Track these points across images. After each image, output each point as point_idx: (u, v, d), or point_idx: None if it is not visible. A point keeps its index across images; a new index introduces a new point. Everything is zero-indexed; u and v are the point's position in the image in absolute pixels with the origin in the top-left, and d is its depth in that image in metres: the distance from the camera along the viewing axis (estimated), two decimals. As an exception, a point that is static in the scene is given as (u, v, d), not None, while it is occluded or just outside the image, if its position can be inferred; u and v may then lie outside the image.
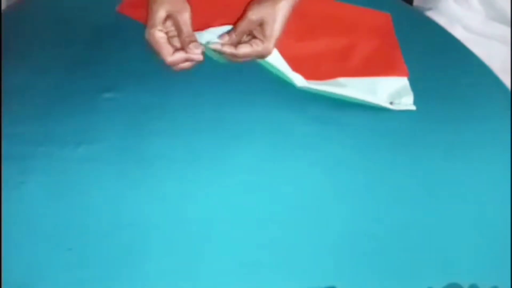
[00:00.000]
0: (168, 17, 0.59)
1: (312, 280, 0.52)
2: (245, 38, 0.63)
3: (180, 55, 0.59)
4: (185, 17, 0.59)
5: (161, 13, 0.59)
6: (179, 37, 0.60)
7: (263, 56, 0.62)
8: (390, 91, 0.69)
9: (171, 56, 0.59)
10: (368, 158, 0.63)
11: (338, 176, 0.61)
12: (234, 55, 0.61)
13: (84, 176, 0.57)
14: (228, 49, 0.61)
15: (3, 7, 0.79)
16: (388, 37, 0.76)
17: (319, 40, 0.70)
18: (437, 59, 0.77)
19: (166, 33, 0.60)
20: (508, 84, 0.75)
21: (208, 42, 0.62)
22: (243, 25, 0.61)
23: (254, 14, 0.60)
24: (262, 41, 0.61)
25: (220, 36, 0.62)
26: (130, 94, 0.65)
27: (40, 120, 0.62)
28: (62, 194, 0.55)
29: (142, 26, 0.73)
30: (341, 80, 0.68)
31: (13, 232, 0.52)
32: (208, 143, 0.62)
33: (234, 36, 0.61)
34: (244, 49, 0.61)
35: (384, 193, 0.60)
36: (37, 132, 0.61)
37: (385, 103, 0.67)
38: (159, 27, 0.59)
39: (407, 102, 0.68)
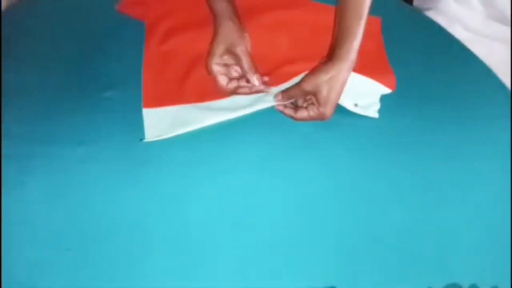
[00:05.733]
0: (226, 51, 0.64)
1: (312, 280, 0.52)
2: (301, 103, 0.65)
3: (233, 84, 0.65)
4: (243, 49, 0.64)
5: (220, 48, 0.64)
6: (240, 67, 0.65)
7: (321, 120, 0.64)
8: (363, 92, 0.67)
9: (226, 86, 0.65)
10: (368, 158, 0.63)
11: (338, 176, 0.61)
12: (292, 117, 0.65)
13: (84, 176, 0.57)
14: (288, 112, 0.65)
15: (3, 7, 0.79)
16: (377, 45, 0.76)
17: (310, 42, 0.69)
18: (437, 59, 0.77)
19: (225, 64, 0.66)
20: (508, 84, 0.75)
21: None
22: (294, 92, 0.64)
23: (308, 85, 0.62)
24: (317, 107, 0.63)
25: (276, 95, 0.65)
26: (130, 94, 0.65)
27: (40, 120, 0.62)
28: (62, 194, 0.55)
29: (142, 25, 0.74)
30: None
31: (13, 232, 0.52)
32: (209, 143, 0.62)
33: (285, 99, 0.65)
34: (301, 114, 0.64)
35: (384, 193, 0.60)
36: (37, 132, 0.61)
37: (349, 104, 0.66)
38: (217, 60, 0.64)
39: (372, 110, 0.67)
